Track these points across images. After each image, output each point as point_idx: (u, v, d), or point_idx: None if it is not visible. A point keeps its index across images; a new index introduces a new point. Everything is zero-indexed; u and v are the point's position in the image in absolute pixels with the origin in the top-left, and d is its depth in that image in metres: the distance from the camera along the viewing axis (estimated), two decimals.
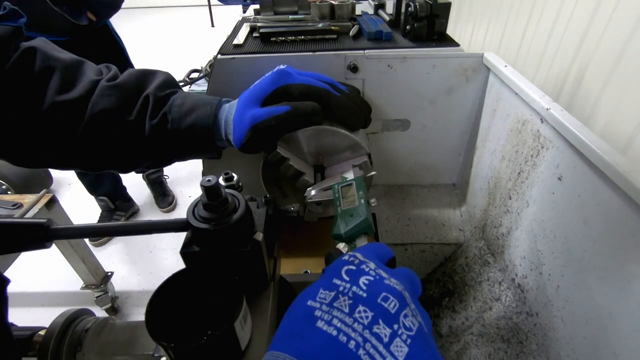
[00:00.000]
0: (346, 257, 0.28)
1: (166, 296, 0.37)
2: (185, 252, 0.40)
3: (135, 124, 0.49)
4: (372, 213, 0.92)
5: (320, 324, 0.23)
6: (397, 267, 0.31)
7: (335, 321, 0.23)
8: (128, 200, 1.99)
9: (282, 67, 0.54)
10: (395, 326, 0.23)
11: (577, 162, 0.50)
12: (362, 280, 0.26)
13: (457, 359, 0.72)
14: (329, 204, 0.68)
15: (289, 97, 0.52)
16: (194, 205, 0.40)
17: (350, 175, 0.56)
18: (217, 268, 0.39)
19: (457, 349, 0.72)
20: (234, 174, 0.50)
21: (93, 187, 1.83)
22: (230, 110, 0.53)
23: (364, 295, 0.25)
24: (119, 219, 1.93)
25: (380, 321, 0.23)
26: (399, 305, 0.24)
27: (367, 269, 0.27)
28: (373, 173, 0.61)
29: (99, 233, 0.44)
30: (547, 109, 0.55)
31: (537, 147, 0.59)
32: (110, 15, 1.49)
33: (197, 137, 0.50)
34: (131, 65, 1.63)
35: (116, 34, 1.60)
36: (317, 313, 0.24)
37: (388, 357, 0.22)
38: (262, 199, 0.50)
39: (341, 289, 0.25)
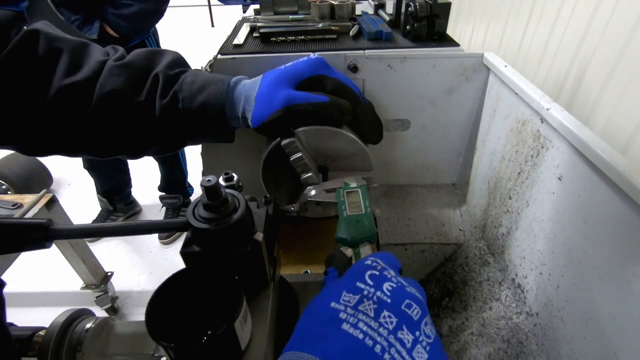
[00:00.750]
0: (368, 262, 0.28)
1: (166, 296, 0.37)
2: (185, 252, 0.40)
3: (145, 104, 0.47)
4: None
5: (346, 326, 0.23)
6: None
7: (361, 324, 0.23)
8: (130, 202, 1.97)
9: (315, 55, 0.53)
10: (417, 333, 0.24)
11: (577, 162, 0.50)
12: (386, 286, 0.26)
13: (457, 359, 0.72)
14: (328, 205, 0.68)
15: (322, 89, 0.51)
16: (194, 205, 0.40)
17: (353, 183, 0.57)
18: (217, 268, 0.39)
19: (457, 349, 0.72)
20: (234, 174, 0.50)
21: (100, 184, 1.81)
22: (252, 86, 0.51)
23: (389, 300, 0.25)
24: (116, 219, 1.92)
25: (404, 327, 0.24)
26: (421, 313, 0.25)
27: (389, 276, 0.27)
28: (375, 185, 0.62)
29: (99, 233, 0.44)
30: (547, 109, 0.55)
31: (537, 147, 0.59)
32: (136, 33, 1.36)
33: (209, 115, 0.49)
34: None
35: None
36: (342, 315, 0.24)
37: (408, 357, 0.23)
38: (262, 199, 0.50)
39: (365, 292, 0.25)
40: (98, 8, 1.26)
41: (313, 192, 0.65)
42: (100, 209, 1.91)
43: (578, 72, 0.83)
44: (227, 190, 0.41)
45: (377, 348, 0.22)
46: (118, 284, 1.60)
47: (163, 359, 0.51)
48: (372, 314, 0.24)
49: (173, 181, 1.85)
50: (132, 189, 1.97)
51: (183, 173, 1.87)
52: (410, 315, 0.25)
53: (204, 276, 0.39)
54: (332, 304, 0.25)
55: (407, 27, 0.80)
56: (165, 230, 0.42)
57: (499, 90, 0.71)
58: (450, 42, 0.78)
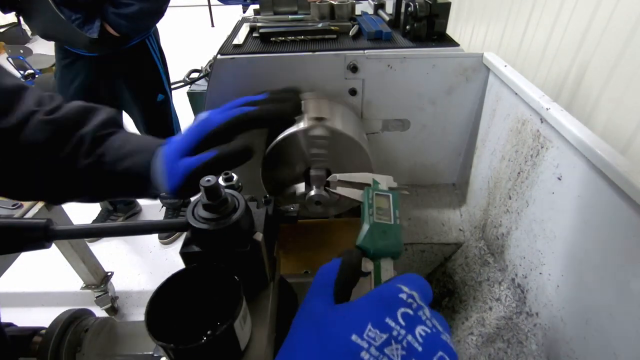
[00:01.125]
0: (403, 296, 0.25)
1: (166, 296, 0.37)
2: (185, 252, 0.40)
3: (67, 161, 0.48)
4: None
5: None
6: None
7: None
8: (130, 202, 1.97)
9: (202, 115, 0.53)
10: None
11: (577, 162, 0.50)
12: (419, 330, 0.23)
13: None
14: (329, 204, 0.68)
15: (220, 140, 0.50)
16: (194, 206, 0.40)
17: (382, 183, 0.51)
18: (217, 268, 0.39)
19: (457, 349, 0.72)
20: (233, 174, 0.50)
21: None
22: (162, 160, 0.51)
23: (420, 349, 0.22)
24: (116, 219, 1.92)
25: None
26: None
27: (424, 317, 0.24)
28: (406, 192, 0.56)
29: (99, 233, 0.44)
30: (547, 109, 0.55)
31: (537, 147, 0.59)
32: (136, 33, 1.36)
33: (132, 182, 0.49)
34: (162, 90, 1.53)
35: (156, 54, 1.49)
36: (365, 355, 0.21)
37: None
38: (262, 199, 0.50)
39: (395, 334, 0.22)
40: (98, 7, 1.26)
41: (313, 192, 0.65)
42: (100, 209, 1.91)
43: (578, 72, 0.83)
44: (227, 191, 0.41)
45: None
46: (118, 284, 1.60)
47: (163, 359, 0.51)
48: (398, 359, 0.22)
49: None
50: None
51: None
52: None
53: (203, 276, 0.39)
54: (354, 337, 0.22)
55: (407, 27, 0.80)
56: (165, 230, 0.42)
57: (498, 90, 0.71)
58: (450, 42, 0.78)
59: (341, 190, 0.49)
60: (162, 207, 1.93)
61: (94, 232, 0.43)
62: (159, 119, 1.59)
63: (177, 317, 0.35)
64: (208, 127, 0.51)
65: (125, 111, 1.56)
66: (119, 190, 0.51)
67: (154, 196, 0.55)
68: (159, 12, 1.35)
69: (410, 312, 0.24)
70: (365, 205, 0.43)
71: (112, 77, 1.43)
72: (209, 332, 0.33)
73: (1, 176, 0.47)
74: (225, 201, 0.39)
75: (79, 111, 0.50)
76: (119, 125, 0.53)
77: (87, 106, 0.52)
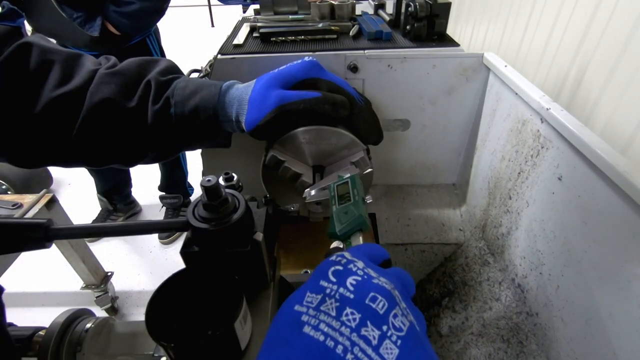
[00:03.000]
0: (333, 257, 0.27)
1: (166, 296, 0.37)
2: (185, 252, 0.40)
3: (138, 111, 0.47)
4: (371, 213, 0.92)
5: (307, 329, 0.22)
6: (392, 267, 0.30)
7: (322, 326, 0.22)
8: (130, 202, 1.97)
9: (310, 57, 0.53)
10: (385, 327, 0.23)
11: (577, 162, 0.50)
12: (350, 280, 0.25)
13: (457, 359, 0.72)
14: (328, 205, 0.68)
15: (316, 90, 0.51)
16: (194, 205, 0.40)
17: (347, 174, 0.56)
18: (217, 268, 0.39)
19: (457, 349, 0.72)
20: (234, 174, 0.50)
21: (101, 184, 1.81)
22: (245, 90, 0.51)
23: (351, 296, 0.24)
24: (116, 219, 1.92)
25: (369, 323, 0.23)
26: (388, 305, 0.24)
27: (354, 269, 0.26)
28: (370, 170, 0.60)
29: (100, 233, 0.44)
30: (547, 109, 0.55)
31: (537, 147, 0.59)
32: (137, 31, 1.37)
33: (202, 119, 0.48)
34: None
35: (157, 53, 1.49)
36: (304, 318, 0.23)
37: (374, 355, 0.21)
38: (262, 199, 0.50)
39: (328, 291, 0.24)
40: (100, 5, 1.27)
41: (313, 193, 0.65)
42: (100, 208, 1.91)
43: (578, 72, 0.83)
44: (227, 190, 0.41)
45: (339, 349, 0.21)
46: (118, 284, 1.59)
47: (163, 359, 0.51)
48: (334, 313, 0.23)
49: (173, 181, 1.85)
50: (132, 189, 1.97)
51: (183, 172, 1.87)
52: (375, 309, 0.23)
53: (204, 276, 0.39)
54: (296, 307, 0.24)
55: (407, 27, 0.80)
56: (165, 230, 0.42)
57: (499, 90, 0.71)
58: (450, 42, 0.78)
59: (317, 196, 0.53)
60: (162, 207, 1.93)
61: (94, 232, 0.43)
62: None
63: (177, 317, 0.35)
64: (319, 73, 0.51)
65: None
66: (190, 135, 0.50)
67: (227, 139, 0.54)
68: (160, 11, 1.36)
69: (340, 268, 0.26)
70: (330, 199, 0.46)
71: None
72: (209, 332, 0.33)
73: (76, 144, 0.47)
74: (225, 201, 0.39)
75: (139, 63, 0.50)
76: (179, 71, 0.53)
77: (146, 58, 0.52)
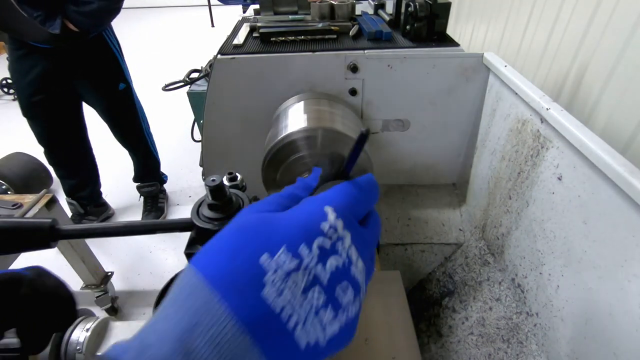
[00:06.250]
0: (325, 227, 0.25)
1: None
2: (189, 253, 0.40)
3: None
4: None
5: (267, 292, 0.21)
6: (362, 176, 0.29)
7: (285, 293, 0.22)
8: (102, 204, 1.96)
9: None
10: (340, 311, 0.23)
11: (577, 162, 0.50)
12: (331, 261, 0.24)
13: (457, 359, 0.72)
14: None
15: None
16: (198, 205, 0.40)
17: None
18: None
19: (457, 349, 0.72)
20: (237, 174, 0.50)
21: (71, 190, 1.82)
22: None
23: (325, 282, 0.23)
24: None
25: (330, 306, 0.23)
26: (354, 296, 0.24)
27: (340, 249, 0.25)
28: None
29: (104, 233, 0.44)
30: (547, 109, 0.55)
31: (537, 147, 0.59)
32: (96, 27, 1.44)
33: None
34: (123, 79, 1.60)
35: (114, 45, 1.56)
36: (269, 278, 0.22)
37: (321, 335, 0.22)
38: None
39: (305, 263, 0.23)
40: (59, 5, 1.33)
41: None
42: (71, 213, 1.89)
43: (578, 72, 0.83)
44: (231, 190, 0.41)
45: (292, 322, 0.21)
46: (118, 284, 1.59)
47: None
48: (301, 286, 0.22)
49: (148, 168, 1.91)
50: (105, 196, 1.95)
51: (157, 160, 1.93)
52: (340, 300, 0.23)
53: None
54: (264, 258, 0.22)
55: (407, 27, 0.80)
56: (169, 229, 0.42)
57: (499, 90, 0.71)
58: (450, 42, 0.78)
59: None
60: (140, 197, 1.95)
61: (99, 232, 0.43)
62: (123, 107, 1.66)
63: None
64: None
65: (87, 102, 1.61)
66: None
67: None
68: (116, 10, 1.44)
69: (328, 244, 0.24)
70: None
71: (71, 69, 1.48)
72: None
73: None
74: (230, 201, 0.39)
75: None
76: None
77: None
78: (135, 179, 1.92)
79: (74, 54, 1.44)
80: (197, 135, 1.82)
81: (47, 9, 1.31)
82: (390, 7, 0.97)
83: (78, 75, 1.50)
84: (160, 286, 0.46)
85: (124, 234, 0.41)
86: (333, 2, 0.91)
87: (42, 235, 0.38)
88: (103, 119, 1.66)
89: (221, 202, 0.38)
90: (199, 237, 0.40)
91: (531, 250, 0.61)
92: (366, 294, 0.25)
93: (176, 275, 0.38)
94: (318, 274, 0.23)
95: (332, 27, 0.82)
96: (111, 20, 1.48)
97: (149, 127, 1.82)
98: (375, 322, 0.56)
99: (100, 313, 1.48)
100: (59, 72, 1.46)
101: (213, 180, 0.37)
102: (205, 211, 0.39)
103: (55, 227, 0.38)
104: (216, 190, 0.37)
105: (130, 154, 1.84)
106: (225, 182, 0.48)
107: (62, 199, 1.34)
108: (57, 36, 1.32)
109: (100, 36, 1.50)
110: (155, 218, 1.94)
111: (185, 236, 0.42)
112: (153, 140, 1.90)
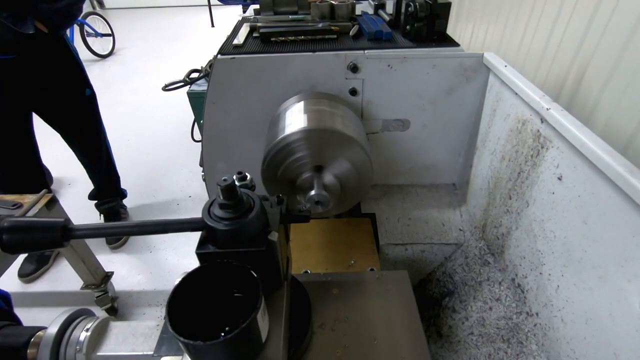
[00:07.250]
0: None
1: (184, 295, 0.37)
2: (200, 253, 0.40)
3: None
4: (371, 213, 0.92)
5: None
6: None
7: None
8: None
9: None
10: None
11: (577, 162, 0.50)
12: None
13: (457, 359, 0.72)
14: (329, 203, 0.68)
15: None
16: (209, 205, 0.41)
17: None
18: (231, 265, 0.38)
19: (457, 349, 0.72)
20: (247, 173, 0.50)
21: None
22: None
23: None
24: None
25: None
26: None
27: None
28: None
29: (116, 233, 0.44)
30: (547, 109, 0.55)
31: (537, 147, 0.59)
32: (66, 26, 1.39)
33: None
34: (88, 84, 1.53)
35: (75, 50, 1.50)
36: None
37: None
38: (275, 198, 0.50)
39: None
40: (28, 4, 1.26)
41: (312, 193, 0.65)
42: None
43: (578, 72, 0.83)
44: (242, 190, 0.41)
45: None
46: (118, 284, 1.59)
47: (163, 358, 0.51)
48: None
49: (109, 182, 1.81)
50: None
51: (117, 173, 1.84)
52: None
53: (220, 272, 0.39)
54: None
55: (407, 27, 0.80)
56: (180, 229, 0.42)
57: (499, 90, 0.71)
58: (450, 42, 0.78)
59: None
60: (100, 215, 1.84)
61: (110, 232, 0.43)
62: (88, 114, 1.58)
63: (198, 313, 0.35)
64: None
65: (44, 115, 1.50)
66: None
67: None
68: (81, 6, 1.40)
69: None
70: None
71: (32, 79, 1.40)
72: (227, 328, 0.33)
73: None
74: (241, 200, 0.39)
75: None
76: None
77: None
78: (92, 197, 1.80)
79: (36, 63, 1.36)
80: (197, 135, 1.81)
81: (15, 8, 1.24)
82: (390, 7, 0.97)
83: (39, 85, 1.40)
84: (160, 286, 0.46)
85: (136, 234, 0.41)
86: (333, 2, 0.91)
87: (56, 235, 0.38)
88: (62, 131, 1.55)
89: (232, 202, 0.38)
90: (210, 236, 0.40)
91: (531, 250, 0.61)
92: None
93: (186, 274, 0.38)
94: None
95: (332, 27, 0.82)
96: (78, 17, 1.43)
97: (107, 137, 1.70)
98: (383, 322, 0.56)
99: (100, 313, 1.48)
100: (17, 84, 1.37)
101: (225, 180, 0.37)
102: (217, 211, 0.39)
103: (68, 227, 0.39)
104: (228, 190, 0.37)
105: (88, 169, 1.73)
106: (235, 182, 0.48)
107: (63, 199, 1.34)
108: (21, 39, 1.24)
109: (62, 40, 1.44)
110: (119, 237, 1.80)
111: (185, 236, 0.42)
112: (112, 156, 1.79)
